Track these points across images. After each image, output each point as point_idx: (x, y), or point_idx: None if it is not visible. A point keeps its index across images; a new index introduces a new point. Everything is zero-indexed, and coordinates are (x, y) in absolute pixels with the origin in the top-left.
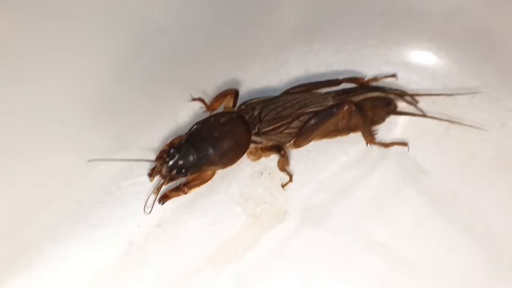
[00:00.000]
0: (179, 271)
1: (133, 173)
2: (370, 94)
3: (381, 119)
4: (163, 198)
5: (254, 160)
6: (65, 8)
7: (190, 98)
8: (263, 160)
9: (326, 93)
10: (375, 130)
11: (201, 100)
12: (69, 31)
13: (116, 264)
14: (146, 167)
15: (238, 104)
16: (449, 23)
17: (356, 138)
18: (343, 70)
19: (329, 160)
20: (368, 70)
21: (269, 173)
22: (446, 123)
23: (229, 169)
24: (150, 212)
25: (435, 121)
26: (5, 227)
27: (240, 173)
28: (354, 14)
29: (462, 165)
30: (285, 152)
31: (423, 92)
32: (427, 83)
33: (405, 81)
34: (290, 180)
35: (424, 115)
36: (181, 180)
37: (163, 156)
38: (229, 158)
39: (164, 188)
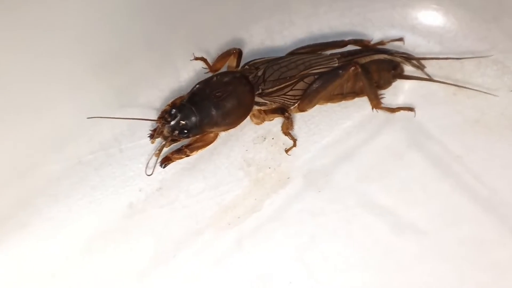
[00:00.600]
0: (180, 235)
1: (134, 135)
2: (376, 57)
3: (387, 83)
4: (165, 161)
5: (258, 123)
6: None
7: (193, 57)
8: (267, 125)
9: (331, 55)
10: (381, 94)
11: (203, 59)
12: None
13: (116, 227)
14: (147, 129)
15: (241, 64)
16: None
17: (360, 103)
18: (348, 34)
19: (333, 125)
20: (374, 34)
21: (272, 138)
22: (452, 88)
23: (231, 133)
24: (152, 173)
25: (441, 86)
26: (0, 182)
27: (243, 137)
28: None
29: (468, 130)
30: (290, 114)
31: (429, 56)
32: (434, 47)
33: (411, 45)
34: (294, 144)
35: (430, 79)
36: (183, 142)
37: (165, 116)
38: (232, 118)
39: (165, 150)
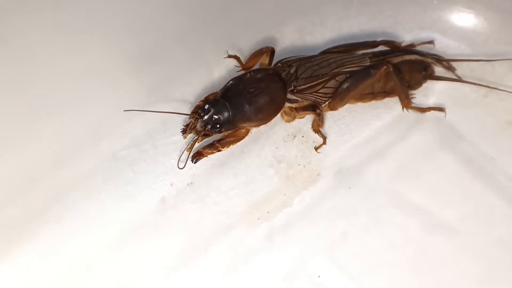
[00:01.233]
0: (211, 229)
1: (167, 131)
2: (407, 57)
3: (418, 84)
4: (197, 156)
5: (288, 121)
6: None
7: (226, 55)
8: (297, 123)
9: (363, 54)
10: (412, 95)
11: (236, 57)
12: None
13: (148, 221)
14: (180, 126)
15: (273, 62)
16: None
17: (390, 104)
18: (379, 36)
19: (363, 125)
20: (405, 36)
21: (302, 136)
22: (483, 90)
23: (262, 131)
24: (184, 167)
25: (472, 88)
26: (37, 175)
27: (273, 135)
28: None
29: (499, 132)
30: (321, 111)
31: (461, 58)
32: (465, 50)
33: (442, 47)
34: (324, 142)
35: (461, 80)
36: (214, 138)
37: (198, 111)
38: (265, 114)
39: (197, 145)
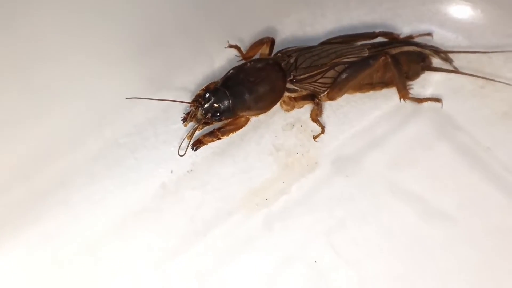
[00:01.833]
0: (211, 215)
1: (168, 119)
2: (406, 48)
3: (415, 75)
4: (197, 143)
5: (288, 110)
6: None
7: (227, 45)
8: (296, 112)
9: (362, 45)
10: (409, 85)
11: (237, 47)
12: None
13: (150, 206)
14: (181, 114)
15: (274, 52)
16: None
17: (388, 94)
18: (378, 27)
19: (361, 114)
20: (403, 28)
21: (301, 126)
22: (480, 81)
23: (261, 120)
24: (184, 154)
25: (469, 79)
26: (40, 160)
27: (272, 125)
28: None
29: (496, 123)
30: (319, 101)
31: (458, 50)
32: (462, 42)
33: (440, 39)
34: (322, 131)
35: (458, 71)
36: (214, 126)
37: (199, 99)
38: (264, 103)
39: (197, 133)
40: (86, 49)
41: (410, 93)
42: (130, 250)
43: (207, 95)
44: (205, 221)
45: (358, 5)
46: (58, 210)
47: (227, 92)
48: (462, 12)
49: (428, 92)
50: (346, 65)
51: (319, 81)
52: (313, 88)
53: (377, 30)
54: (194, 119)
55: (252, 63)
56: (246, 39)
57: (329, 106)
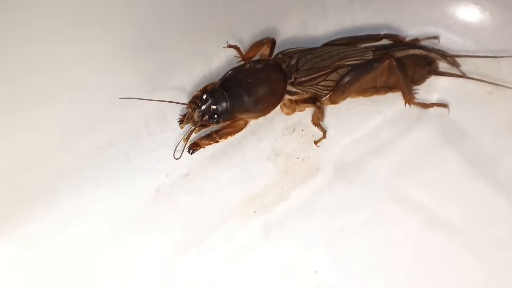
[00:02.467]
0: (207, 221)
1: (164, 120)
2: (411, 51)
3: (421, 79)
4: (193, 146)
5: (288, 113)
6: None
7: (225, 45)
8: (296, 116)
9: (366, 47)
10: (415, 90)
11: (236, 48)
12: None
13: (143, 211)
14: (177, 115)
15: (274, 53)
16: None
17: (392, 99)
18: (382, 29)
19: (364, 119)
20: (409, 31)
21: (302, 129)
22: (488, 87)
23: (261, 123)
24: (180, 157)
25: (477, 85)
26: (30, 161)
27: (272, 128)
28: None
29: (503, 131)
30: (321, 104)
31: (465, 54)
32: (470, 46)
33: (447, 43)
34: (324, 136)
35: (466, 76)
36: (212, 129)
37: (196, 101)
38: (264, 106)
39: (194, 136)
40: (79, 48)
41: (416, 98)
42: (122, 257)
43: (204, 96)
44: (201, 228)
45: (362, 6)
46: (46, 213)
47: (225, 93)
48: (470, 15)
49: (434, 97)
50: (349, 68)
51: (321, 83)
52: (314, 91)
53: (382, 32)
54: (190, 121)
55: (251, 64)
56: (245, 39)
57: (331, 110)
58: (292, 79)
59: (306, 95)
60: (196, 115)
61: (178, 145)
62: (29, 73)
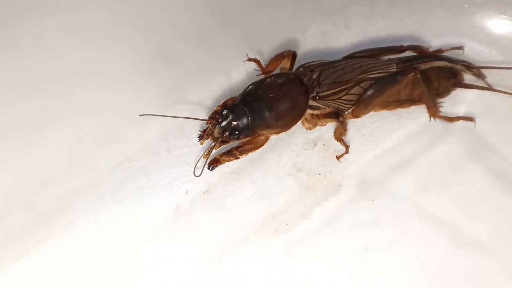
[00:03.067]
0: (228, 240)
1: (183, 135)
2: (436, 63)
3: (446, 91)
4: (213, 163)
5: (309, 128)
6: None
7: (245, 58)
8: (318, 130)
9: (389, 60)
10: (440, 103)
11: (256, 61)
12: None
13: (162, 229)
14: (196, 130)
15: (295, 67)
16: None
17: (415, 112)
18: (405, 40)
19: (386, 134)
20: (432, 41)
21: (323, 144)
22: None
23: (281, 138)
24: (200, 175)
25: (504, 98)
26: (47, 179)
27: (293, 143)
28: None
29: None
30: (344, 119)
31: (491, 65)
32: (495, 57)
33: (472, 54)
34: (346, 151)
35: (492, 89)
36: (232, 145)
37: (216, 116)
38: (285, 121)
39: (214, 152)
40: (97, 62)
41: (441, 111)
42: (140, 275)
43: (224, 112)
44: (221, 247)
45: (384, 16)
46: (63, 232)
47: (246, 109)
48: (495, 25)
49: (459, 110)
50: (372, 81)
51: (344, 97)
52: (337, 105)
53: (405, 44)
54: (210, 137)
55: (272, 78)
56: (265, 51)
57: (352, 124)
58: (314, 94)
59: (328, 110)
60: (216, 131)
61: (198, 162)
62: (46, 90)
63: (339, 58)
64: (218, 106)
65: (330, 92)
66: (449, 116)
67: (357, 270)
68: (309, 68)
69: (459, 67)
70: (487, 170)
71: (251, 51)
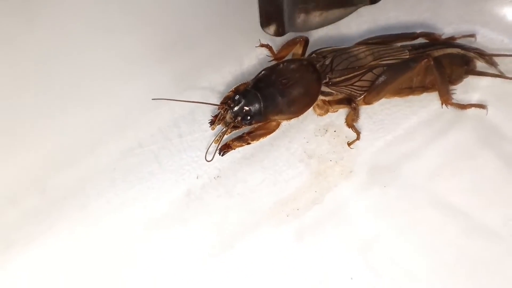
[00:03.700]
0: (238, 225)
1: (194, 122)
2: (449, 50)
3: (458, 79)
4: (224, 148)
5: (321, 115)
6: None
7: (257, 44)
8: (329, 117)
9: (402, 46)
10: (452, 90)
11: (268, 47)
12: None
13: (173, 214)
14: (207, 116)
15: (307, 53)
16: None
17: (427, 99)
18: (417, 27)
19: (398, 121)
20: (445, 28)
21: (335, 131)
22: None
23: (292, 124)
24: (212, 159)
25: None
26: (60, 164)
27: (303, 129)
28: None
29: None
30: (357, 105)
31: (503, 52)
32: (508, 44)
33: (485, 41)
34: (358, 137)
35: (505, 76)
36: (243, 130)
37: (228, 101)
38: (298, 107)
39: (225, 137)
40: (110, 48)
41: (453, 98)
42: (151, 260)
43: (237, 97)
44: (232, 232)
45: (396, 3)
46: (76, 216)
47: (258, 94)
48: (508, 12)
49: (471, 97)
50: (385, 68)
51: (356, 84)
52: (349, 92)
53: (418, 31)
54: (222, 123)
55: (285, 63)
56: (277, 38)
57: (363, 111)
58: (327, 80)
59: (340, 96)
60: (228, 117)
61: (210, 147)
62: (57, 73)
63: (351, 44)
64: (230, 91)
65: (342, 78)
66: (462, 103)
67: (368, 257)
68: (321, 54)
69: (472, 54)
70: (500, 157)
71: (263, 37)
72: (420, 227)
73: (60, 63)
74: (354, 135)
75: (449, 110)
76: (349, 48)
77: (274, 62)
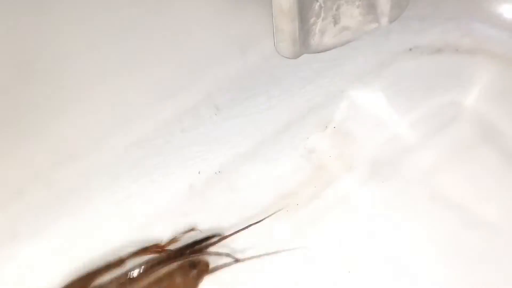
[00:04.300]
0: (240, 218)
1: (198, 116)
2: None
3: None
4: None
5: None
6: None
7: (262, 38)
8: (330, 112)
9: None
10: None
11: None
12: None
13: (176, 207)
14: (211, 111)
15: None
16: None
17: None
18: None
19: (397, 116)
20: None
21: (334, 127)
22: None
23: (293, 120)
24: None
25: None
26: (62, 159)
27: (304, 124)
28: None
29: None
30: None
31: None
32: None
33: (483, 37)
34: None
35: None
36: None
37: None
38: None
39: None
40: (117, 43)
41: None
42: None
43: None
44: (233, 226)
45: None
46: (80, 210)
47: None
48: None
49: (470, 92)
50: None
51: None
52: None
53: None
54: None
55: None
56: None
57: (364, 106)
58: None
59: None
60: None
61: None
62: (64, 69)
63: None
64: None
65: None
66: None
67: (368, 251)
68: None
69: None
70: (499, 152)
71: (268, 32)
72: (420, 221)
73: (66, 57)
74: (354, 131)
75: (449, 106)
76: None
77: None
